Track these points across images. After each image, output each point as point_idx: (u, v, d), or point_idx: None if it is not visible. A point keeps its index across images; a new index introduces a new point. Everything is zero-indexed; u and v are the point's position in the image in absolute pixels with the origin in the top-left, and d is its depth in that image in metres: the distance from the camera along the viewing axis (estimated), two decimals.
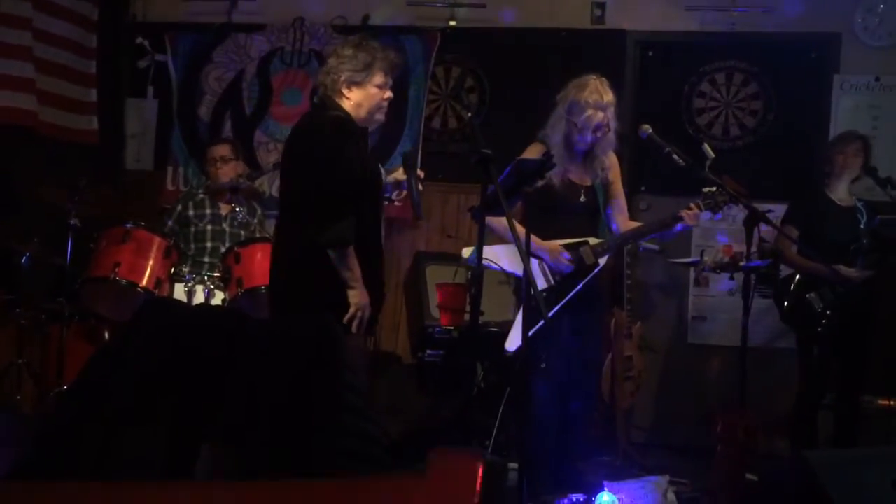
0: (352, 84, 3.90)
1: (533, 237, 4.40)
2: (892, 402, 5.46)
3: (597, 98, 4.41)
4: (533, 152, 4.45)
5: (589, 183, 4.58)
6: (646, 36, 6.63)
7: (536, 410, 4.53)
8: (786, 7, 6.37)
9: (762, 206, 4.57)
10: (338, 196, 3.71)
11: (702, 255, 5.36)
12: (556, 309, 4.38)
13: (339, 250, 3.72)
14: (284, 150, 4.13)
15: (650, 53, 6.64)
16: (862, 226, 5.27)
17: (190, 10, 7.22)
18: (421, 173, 4.14)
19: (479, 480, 1.31)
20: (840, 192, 5.32)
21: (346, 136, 3.82)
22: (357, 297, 3.77)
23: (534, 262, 4.44)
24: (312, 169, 3.77)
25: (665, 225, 4.52)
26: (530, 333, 4.31)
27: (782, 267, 5.56)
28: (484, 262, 4.33)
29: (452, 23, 6.77)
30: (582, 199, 4.56)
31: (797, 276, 5.28)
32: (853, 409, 5.31)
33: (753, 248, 4.51)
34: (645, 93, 6.57)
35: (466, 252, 4.52)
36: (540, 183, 4.46)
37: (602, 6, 6.65)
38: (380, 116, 4.07)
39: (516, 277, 4.45)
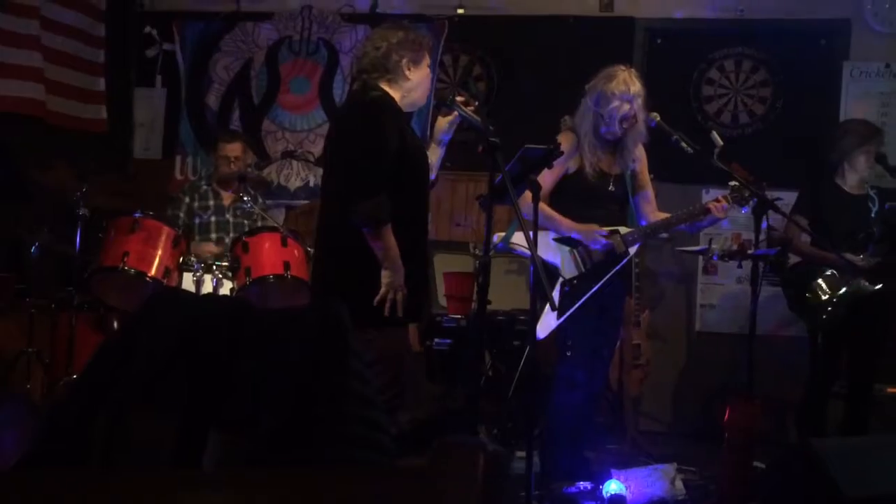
0: (413, 63, 3.87)
1: (567, 221, 4.43)
2: None
3: (623, 89, 4.41)
4: (564, 141, 4.44)
5: (618, 172, 4.59)
6: (654, 23, 6.62)
7: (557, 397, 4.56)
8: None
9: (771, 194, 4.56)
10: (371, 172, 3.64)
11: (710, 243, 5.35)
12: (587, 296, 4.41)
13: (371, 228, 3.63)
14: (327, 138, 4.14)
15: (658, 41, 6.62)
16: (873, 214, 5.25)
17: None
18: (460, 98, 3.90)
19: (481, 471, 1.31)
20: (852, 181, 5.30)
21: (384, 113, 3.76)
22: (389, 276, 3.66)
23: (565, 250, 4.46)
24: (350, 149, 3.74)
25: (693, 216, 4.52)
26: (561, 320, 4.36)
27: (791, 255, 5.55)
28: (517, 248, 4.36)
29: (460, 11, 6.77)
30: (611, 188, 4.57)
31: (805, 265, 5.27)
32: (864, 398, 5.30)
33: (762, 236, 4.50)
34: (653, 80, 6.45)
35: (497, 238, 4.52)
36: (571, 170, 4.49)
37: None
38: (425, 98, 4.12)
39: (549, 264, 4.46)
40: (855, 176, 5.29)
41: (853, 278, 5.05)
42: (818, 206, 5.25)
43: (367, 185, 3.63)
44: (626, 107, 4.42)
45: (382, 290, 3.66)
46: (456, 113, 3.91)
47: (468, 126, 3.88)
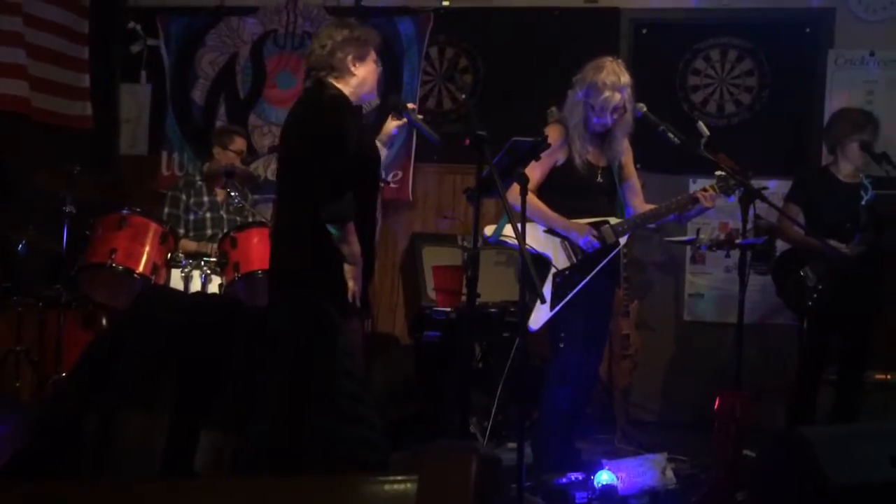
0: (357, 60, 4.00)
1: (559, 217, 4.45)
2: (889, 377, 5.47)
3: (614, 80, 4.42)
4: (552, 133, 4.46)
5: (605, 164, 4.60)
6: (639, 14, 6.62)
7: (550, 389, 4.58)
8: None
9: (757, 183, 4.57)
10: (339, 173, 3.75)
11: (698, 233, 5.35)
12: (579, 287, 4.43)
13: (340, 227, 3.76)
14: (282, 134, 4.20)
15: (644, 31, 6.63)
16: (864, 202, 5.26)
17: None
18: (411, 105, 4.18)
19: (473, 476, 1.32)
20: (846, 169, 5.29)
21: (345, 113, 3.89)
22: (352, 272, 3.83)
23: (556, 241, 4.48)
24: (313, 148, 3.82)
25: (682, 206, 4.54)
26: (553, 312, 4.38)
27: (779, 243, 5.57)
28: (508, 241, 4.38)
29: (445, 3, 6.76)
30: (599, 179, 4.59)
31: (793, 252, 5.29)
32: (855, 385, 5.31)
33: (749, 225, 4.51)
34: (639, 71, 6.44)
35: (489, 230, 4.53)
36: (560, 162, 4.50)
37: None
38: (376, 91, 4.27)
39: (541, 256, 4.47)
40: (848, 164, 5.28)
41: (840, 266, 5.06)
42: (812, 195, 5.26)
43: (335, 185, 3.73)
44: (618, 96, 4.42)
45: (351, 285, 3.82)
46: (405, 119, 4.08)
47: (418, 133, 4.05)
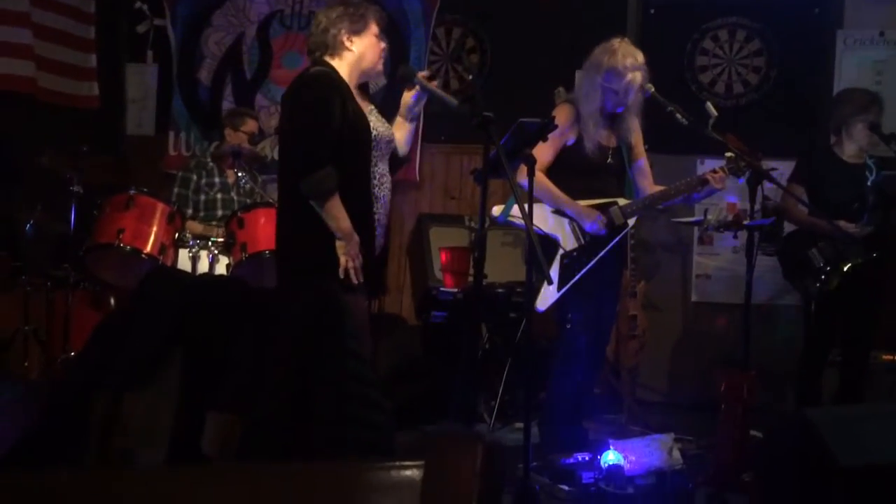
0: (352, 34, 3.95)
1: (568, 198, 4.44)
2: None
3: (632, 61, 4.42)
4: (562, 113, 4.46)
5: (615, 144, 4.59)
6: None
7: (557, 370, 4.59)
8: None
9: (766, 164, 4.55)
10: (315, 145, 3.73)
11: (705, 214, 5.33)
12: (587, 268, 4.44)
13: (320, 200, 3.73)
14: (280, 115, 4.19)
15: (652, 11, 6.59)
16: (869, 183, 5.24)
17: None
18: (422, 74, 4.08)
19: (478, 463, 1.32)
20: (850, 150, 5.27)
21: (324, 87, 3.83)
22: (343, 247, 3.77)
23: (564, 222, 4.48)
24: (293, 123, 3.85)
25: (692, 187, 4.53)
26: (561, 292, 4.38)
27: (786, 224, 5.55)
28: (516, 221, 4.37)
29: None
30: (610, 160, 4.58)
31: (800, 233, 5.27)
32: (859, 366, 5.31)
33: (757, 207, 4.50)
34: (647, 51, 6.43)
35: (497, 210, 4.53)
36: (570, 142, 4.49)
37: None
38: (380, 67, 4.14)
39: (549, 237, 4.47)
40: (853, 145, 5.26)
41: (848, 247, 5.05)
42: (816, 175, 5.24)
43: (313, 158, 3.72)
44: (639, 76, 4.43)
45: (342, 261, 3.76)
46: (418, 87, 4.00)
47: (436, 100, 3.97)
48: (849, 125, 5.22)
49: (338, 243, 3.77)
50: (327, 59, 3.95)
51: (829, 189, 5.16)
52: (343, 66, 3.95)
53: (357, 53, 3.96)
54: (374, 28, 4.00)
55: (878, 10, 6.20)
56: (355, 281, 3.78)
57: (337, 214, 3.75)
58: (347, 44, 3.94)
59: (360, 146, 3.95)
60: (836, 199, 5.12)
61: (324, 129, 3.75)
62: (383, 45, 4.06)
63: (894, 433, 3.41)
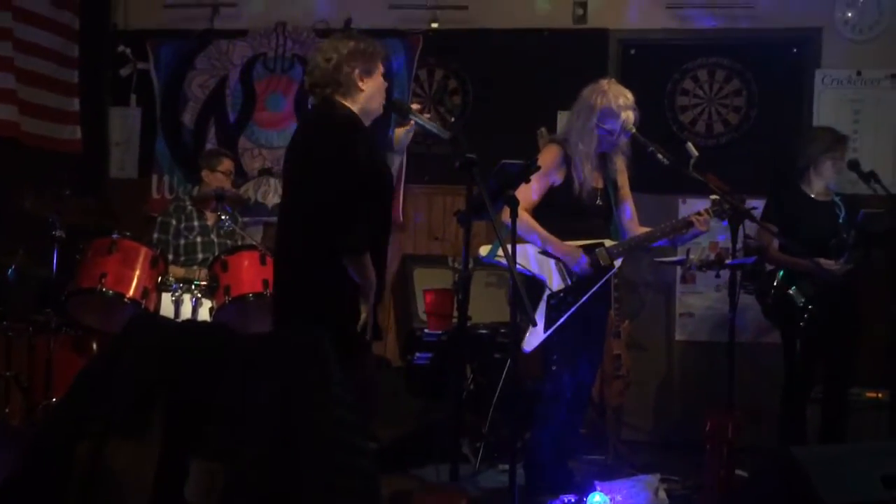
0: (364, 74, 3.77)
1: (554, 239, 4.46)
2: (880, 395, 5.48)
3: (625, 100, 4.48)
4: (550, 154, 4.49)
5: (603, 185, 4.62)
6: (628, 35, 6.65)
7: (543, 411, 4.58)
8: (766, 3, 6.40)
9: (746, 203, 4.59)
10: (352, 199, 3.56)
11: (688, 254, 5.36)
12: (573, 309, 4.44)
13: (356, 256, 3.59)
14: (290, 155, 3.87)
15: (632, 52, 6.66)
16: (840, 220, 5.30)
17: (171, 17, 7.20)
18: (415, 106, 3.98)
19: None
20: (817, 188, 5.34)
21: (358, 134, 3.68)
22: (366, 301, 3.66)
23: (551, 262, 4.49)
24: (324, 172, 3.60)
25: (677, 229, 4.56)
26: (548, 333, 4.38)
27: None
28: (503, 261, 4.35)
29: (434, 25, 6.78)
30: (598, 201, 4.60)
31: (779, 273, 5.30)
32: (840, 403, 5.33)
33: (739, 245, 4.53)
34: None
35: (483, 250, 4.53)
36: (557, 183, 4.50)
37: (584, 6, 6.66)
38: (381, 109, 3.95)
39: (536, 278, 4.48)
40: (821, 182, 5.34)
41: (827, 284, 5.09)
42: (785, 213, 5.29)
43: (350, 213, 3.56)
44: (632, 115, 4.47)
45: (364, 316, 3.65)
46: (413, 122, 3.92)
47: (425, 133, 3.89)
48: (817, 163, 5.30)
49: (362, 296, 3.65)
50: (339, 98, 3.75)
51: (801, 226, 5.21)
52: (354, 105, 3.76)
53: (367, 95, 3.79)
54: (381, 68, 3.86)
55: (855, 49, 6.29)
56: (368, 336, 3.71)
57: (368, 267, 3.62)
58: (360, 84, 3.76)
59: (383, 195, 3.85)
60: (808, 237, 5.16)
61: (358, 184, 3.58)
62: (386, 84, 3.93)
63: (878, 472, 3.41)
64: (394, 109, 4.03)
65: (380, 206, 3.82)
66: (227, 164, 6.01)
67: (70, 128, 6.92)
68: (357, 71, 3.76)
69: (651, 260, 6.20)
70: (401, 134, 4.06)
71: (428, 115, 3.90)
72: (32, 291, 5.84)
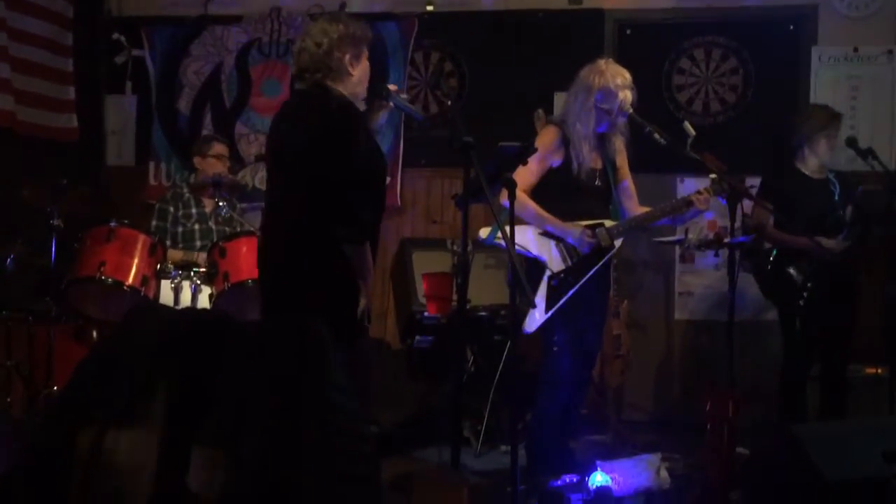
0: (354, 59, 3.74)
1: (553, 218, 4.46)
2: (879, 370, 5.49)
3: (623, 80, 4.48)
4: (548, 135, 4.49)
5: (601, 166, 4.62)
6: (623, 14, 6.63)
7: (544, 391, 4.59)
8: None
9: (745, 182, 4.58)
10: (357, 188, 3.54)
11: (686, 233, 5.36)
12: (574, 289, 4.45)
13: (358, 245, 3.57)
14: (278, 140, 3.82)
15: (628, 32, 6.64)
16: (836, 198, 5.30)
17: (165, 3, 7.18)
18: (393, 87, 3.93)
19: None
20: (812, 166, 5.35)
21: (358, 121, 3.66)
22: (365, 288, 3.65)
23: (551, 244, 4.49)
24: (330, 160, 3.56)
25: (677, 209, 4.56)
26: (549, 314, 4.39)
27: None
28: (503, 243, 4.36)
29: (430, 7, 6.76)
30: (597, 182, 4.60)
31: (775, 251, 5.31)
32: (839, 380, 5.35)
33: (737, 224, 4.53)
34: None
35: (483, 232, 4.53)
36: (556, 164, 4.50)
37: None
38: (366, 90, 3.91)
39: (537, 260, 4.49)
40: (816, 160, 5.34)
41: (824, 262, 5.10)
42: (781, 191, 5.29)
43: (353, 203, 3.54)
44: (630, 94, 4.47)
45: (363, 302, 3.65)
46: (392, 104, 3.90)
47: (404, 113, 3.87)
48: (812, 141, 5.30)
49: (362, 285, 3.63)
50: (329, 83, 3.71)
51: (797, 204, 5.21)
52: (344, 90, 3.72)
53: (356, 80, 3.77)
54: (367, 51, 3.84)
55: (852, 26, 6.27)
56: (367, 322, 3.73)
57: (367, 257, 3.61)
58: (350, 69, 3.73)
59: (379, 181, 3.84)
60: (804, 214, 5.17)
61: (360, 173, 3.56)
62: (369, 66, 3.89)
63: (879, 447, 3.43)
64: (374, 91, 3.96)
65: (376, 194, 3.82)
66: (217, 148, 5.98)
67: (66, 116, 6.91)
68: (348, 56, 3.73)
69: (650, 239, 6.20)
70: (377, 115, 4.01)
71: (405, 96, 3.86)
72: (31, 281, 5.84)
